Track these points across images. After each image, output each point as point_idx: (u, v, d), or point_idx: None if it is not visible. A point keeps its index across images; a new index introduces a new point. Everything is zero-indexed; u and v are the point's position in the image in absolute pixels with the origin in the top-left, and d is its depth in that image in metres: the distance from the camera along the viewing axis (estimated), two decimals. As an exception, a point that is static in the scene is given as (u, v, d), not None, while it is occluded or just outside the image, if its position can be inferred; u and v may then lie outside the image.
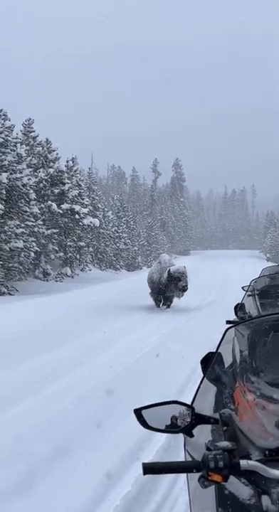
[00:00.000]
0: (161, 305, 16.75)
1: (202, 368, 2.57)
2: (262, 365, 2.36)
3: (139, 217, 59.16)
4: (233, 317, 5.65)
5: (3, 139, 22.61)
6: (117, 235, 41.93)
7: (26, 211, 23.73)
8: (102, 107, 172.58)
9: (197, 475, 1.55)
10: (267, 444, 1.66)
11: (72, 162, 32.93)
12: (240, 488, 1.59)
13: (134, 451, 4.72)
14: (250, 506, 1.58)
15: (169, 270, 16.03)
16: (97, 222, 32.10)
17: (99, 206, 39.65)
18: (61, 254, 29.87)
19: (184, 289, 15.88)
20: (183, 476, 2.77)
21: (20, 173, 23.12)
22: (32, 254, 24.07)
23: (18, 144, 23.80)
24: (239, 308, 5.73)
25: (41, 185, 28.45)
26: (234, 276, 27.05)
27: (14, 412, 5.88)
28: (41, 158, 29.43)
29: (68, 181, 30.23)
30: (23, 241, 22.72)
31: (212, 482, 1.51)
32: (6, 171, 22.13)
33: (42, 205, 27.55)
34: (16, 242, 22.30)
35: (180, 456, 2.13)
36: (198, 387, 2.13)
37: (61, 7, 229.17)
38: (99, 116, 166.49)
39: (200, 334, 9.80)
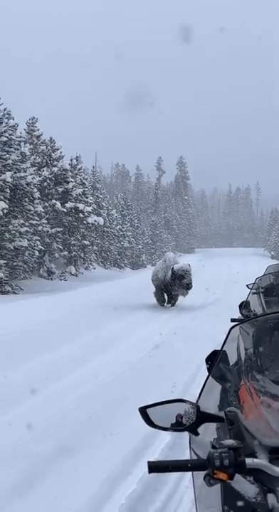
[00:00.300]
0: (166, 303, 16.75)
1: (207, 366, 2.56)
2: (268, 363, 2.35)
3: (143, 216, 59.18)
4: (237, 315, 5.64)
5: (7, 137, 22.64)
6: (121, 233, 41.93)
7: (30, 210, 23.76)
8: (103, 106, 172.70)
9: (203, 473, 1.54)
10: (272, 442, 1.65)
11: (76, 161, 32.95)
12: (245, 487, 1.59)
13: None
14: (255, 504, 1.58)
15: (173, 268, 16.02)
16: (101, 220, 32.10)
17: (104, 205, 39.65)
18: (65, 252, 29.90)
19: (188, 287, 15.85)
20: (188, 474, 2.77)
21: (25, 171, 23.15)
22: (36, 253, 24.10)
23: (22, 143, 23.84)
24: (244, 306, 5.72)
25: (45, 183, 28.47)
26: (238, 274, 26.97)
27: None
28: (45, 157, 29.45)
29: (72, 180, 30.24)
30: (28, 240, 22.75)
31: (218, 480, 1.51)
32: (10, 170, 22.16)
33: (46, 204, 27.57)
34: (20, 241, 22.33)
35: (185, 455, 2.13)
36: (203, 385, 2.13)
37: (61, 7, 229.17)
38: (102, 115, 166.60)
39: (204, 333, 9.79)
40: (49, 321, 12.61)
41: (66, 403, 6.25)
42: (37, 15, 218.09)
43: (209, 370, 2.32)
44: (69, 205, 29.34)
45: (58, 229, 28.36)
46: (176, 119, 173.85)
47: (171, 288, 16.19)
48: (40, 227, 24.86)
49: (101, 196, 40.29)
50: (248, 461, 1.53)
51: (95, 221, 31.13)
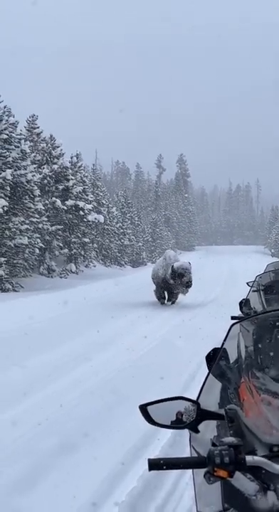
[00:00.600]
0: (166, 301, 16.75)
1: (207, 363, 2.57)
2: (268, 360, 2.35)
3: (143, 213, 59.16)
4: (238, 313, 5.64)
5: (8, 135, 22.61)
6: (121, 231, 41.92)
7: (31, 207, 23.74)
8: (104, 105, 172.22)
9: (203, 471, 1.55)
10: (272, 440, 1.66)
11: (77, 158, 32.89)
12: (245, 484, 1.59)
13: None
14: (255, 502, 1.58)
15: (173, 266, 16.02)
16: (101, 218, 32.08)
17: (104, 202, 39.62)
18: (66, 250, 29.88)
19: (188, 284, 15.85)
20: (188, 471, 2.77)
21: (25, 169, 23.13)
22: (37, 251, 24.09)
23: (22, 141, 23.80)
24: (244, 303, 5.73)
25: (45, 181, 28.45)
26: (239, 271, 26.99)
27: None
28: (45, 155, 29.42)
29: (72, 177, 30.21)
30: (28, 237, 22.74)
31: (218, 478, 1.52)
32: (10, 168, 22.14)
33: (46, 202, 27.55)
34: (20, 239, 22.31)
35: (186, 452, 2.13)
36: (204, 382, 2.13)
37: (61, 7, 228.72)
38: (102, 113, 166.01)
39: (205, 331, 9.79)
40: (49, 318, 12.61)
41: (68, 399, 6.28)
42: (37, 15, 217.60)
43: (209, 367, 2.32)
44: (69, 202, 29.32)
45: (59, 226, 28.35)
46: (176, 117, 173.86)
47: (171, 286, 16.19)
48: (40, 225, 24.84)
49: (101, 194, 40.25)
50: (248, 458, 1.53)
51: (96, 219, 31.11)
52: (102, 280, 25.25)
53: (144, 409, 1.88)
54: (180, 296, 16.51)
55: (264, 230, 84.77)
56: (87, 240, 31.18)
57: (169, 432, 4.71)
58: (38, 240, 23.90)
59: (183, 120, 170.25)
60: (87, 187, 32.67)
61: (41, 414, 5.69)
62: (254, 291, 6.08)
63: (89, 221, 30.64)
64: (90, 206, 30.67)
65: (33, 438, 5.09)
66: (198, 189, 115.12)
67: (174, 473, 4.02)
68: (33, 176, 23.83)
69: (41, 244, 24.59)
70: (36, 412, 5.79)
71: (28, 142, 25.61)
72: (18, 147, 23.03)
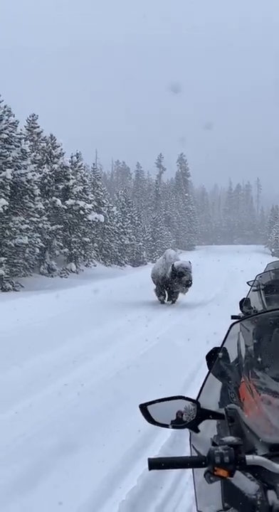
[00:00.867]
0: (166, 300, 16.75)
1: (207, 363, 2.56)
2: (268, 360, 2.35)
3: (143, 213, 59.14)
4: (238, 312, 5.64)
5: (8, 134, 22.61)
6: (121, 230, 41.91)
7: (31, 207, 23.74)
8: (104, 104, 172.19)
9: (203, 470, 1.55)
10: (273, 439, 1.66)
11: (77, 158, 32.88)
12: (246, 483, 1.59)
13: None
14: (256, 501, 1.58)
15: (173, 265, 16.02)
16: (101, 217, 32.07)
17: (104, 202, 39.62)
18: (66, 250, 29.88)
19: (188, 284, 15.84)
20: (188, 471, 2.77)
21: (25, 169, 23.12)
22: (37, 250, 24.09)
23: (23, 140, 23.80)
24: (244, 303, 5.74)
25: (46, 181, 28.44)
26: (239, 271, 26.91)
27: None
28: (45, 154, 29.41)
29: (73, 177, 30.21)
30: (28, 237, 22.74)
31: (218, 477, 1.51)
32: (10, 167, 22.14)
33: (46, 201, 27.55)
34: (20, 238, 22.32)
35: (186, 452, 2.13)
36: (204, 382, 2.13)
37: (61, 7, 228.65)
38: (102, 113, 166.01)
39: (205, 330, 9.78)
40: (50, 317, 12.62)
41: (68, 399, 6.29)
42: (37, 15, 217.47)
43: (209, 367, 2.32)
44: (69, 202, 29.31)
45: (59, 226, 28.36)
46: (176, 117, 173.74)
47: (171, 285, 16.19)
48: (40, 225, 24.84)
49: (101, 193, 40.25)
50: (249, 457, 1.53)
51: (96, 218, 31.10)
52: (102, 280, 25.15)
53: (144, 408, 1.88)
54: (180, 296, 16.51)
55: (264, 230, 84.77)
56: (87, 239, 31.19)
57: (169, 432, 4.71)
58: (39, 240, 23.90)
59: (184, 120, 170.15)
60: (87, 186, 32.67)
61: (41, 414, 5.70)
62: (254, 290, 6.09)
63: (89, 220, 30.64)
64: (90, 206, 30.67)
65: (32, 438, 5.09)
66: (199, 188, 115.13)
67: (174, 472, 4.02)
68: (33, 175, 23.82)
69: (41, 244, 24.59)
70: (36, 412, 5.79)
71: (28, 142, 25.60)
72: (19, 147, 23.03)
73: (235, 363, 2.46)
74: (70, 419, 5.59)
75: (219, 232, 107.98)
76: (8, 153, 22.37)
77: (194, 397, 1.96)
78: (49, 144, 29.82)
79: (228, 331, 2.37)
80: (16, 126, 23.83)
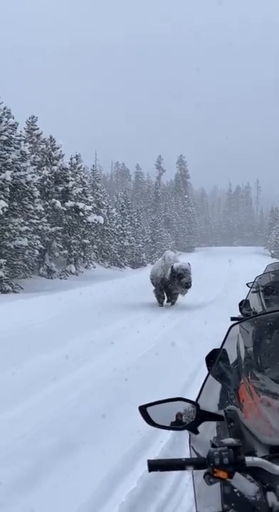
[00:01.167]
0: (165, 302, 16.72)
1: (207, 364, 2.57)
2: (267, 361, 2.36)
3: (143, 214, 59.12)
4: (237, 314, 5.64)
5: (7, 136, 22.61)
6: (121, 232, 41.90)
7: (30, 209, 23.72)
8: (104, 105, 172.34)
9: (202, 472, 1.55)
10: (272, 441, 1.66)
11: (76, 159, 32.88)
12: (245, 485, 1.59)
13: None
14: (255, 503, 1.58)
15: (172, 267, 15.99)
16: (101, 219, 32.05)
17: (104, 203, 39.61)
18: (65, 251, 29.87)
19: (187, 285, 15.80)
20: (188, 472, 2.77)
21: (24, 170, 23.11)
22: (36, 252, 24.08)
23: (22, 142, 23.79)
24: (244, 304, 5.74)
25: (45, 182, 28.44)
26: (238, 272, 26.95)
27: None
28: (45, 156, 29.41)
29: (72, 179, 30.19)
30: (28, 239, 22.72)
31: (217, 479, 1.52)
32: (10, 169, 22.14)
33: (46, 203, 27.55)
34: (20, 240, 22.30)
35: (185, 453, 2.13)
36: (203, 383, 2.13)
37: (61, 7, 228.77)
38: (102, 113, 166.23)
39: (204, 332, 9.79)
40: (49, 319, 12.61)
41: (68, 399, 6.29)
42: (37, 15, 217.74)
43: (209, 368, 2.32)
44: (69, 204, 29.30)
45: (58, 228, 28.35)
46: (176, 117, 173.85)
47: (171, 287, 16.16)
48: (40, 226, 24.83)
49: (101, 195, 40.24)
50: (248, 459, 1.53)
51: (95, 220, 31.08)
52: (102, 281, 25.18)
53: (143, 410, 1.88)
54: (180, 297, 16.49)
55: (264, 231, 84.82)
56: (86, 241, 31.17)
57: (169, 433, 4.71)
58: (38, 241, 23.89)
59: (184, 120, 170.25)
60: (86, 188, 32.65)
61: (41, 414, 5.70)
62: (254, 292, 6.09)
63: (89, 222, 30.62)
64: (89, 207, 30.65)
65: (32, 439, 5.08)
66: (198, 190, 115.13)
67: (173, 474, 4.02)
68: (32, 177, 23.81)
69: (41, 246, 24.58)
70: (36, 412, 5.79)
71: (27, 143, 25.60)
72: (18, 148, 23.02)
73: (235, 365, 2.46)
74: (70, 420, 5.60)
75: (219, 233, 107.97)
76: (7, 155, 22.36)
77: (194, 399, 1.96)
78: (49, 146, 29.82)
79: (228, 333, 2.37)
80: (16, 128, 23.82)
